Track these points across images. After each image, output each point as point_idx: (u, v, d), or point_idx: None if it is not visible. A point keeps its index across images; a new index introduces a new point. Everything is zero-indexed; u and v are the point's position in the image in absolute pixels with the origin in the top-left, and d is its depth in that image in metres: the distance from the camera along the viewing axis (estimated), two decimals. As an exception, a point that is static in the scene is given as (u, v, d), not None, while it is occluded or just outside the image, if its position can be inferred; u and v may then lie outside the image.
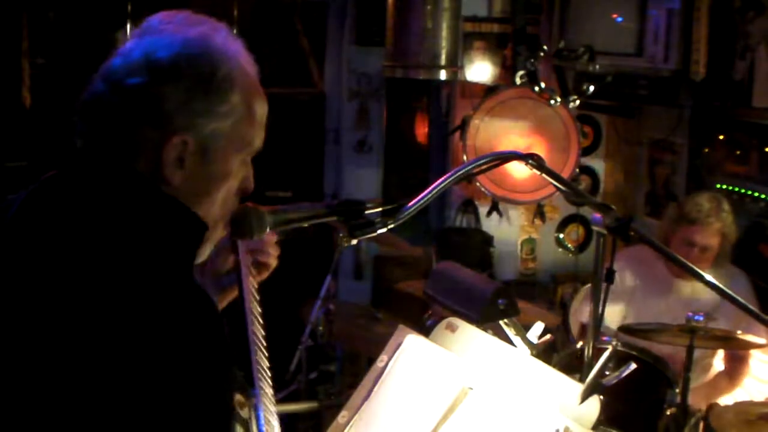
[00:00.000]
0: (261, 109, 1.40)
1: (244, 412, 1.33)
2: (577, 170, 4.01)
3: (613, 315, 3.49)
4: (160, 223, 1.29)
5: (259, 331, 1.62)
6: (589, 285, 3.86)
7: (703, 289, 3.30)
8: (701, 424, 3.01)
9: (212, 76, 1.33)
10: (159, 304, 1.19)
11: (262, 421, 1.45)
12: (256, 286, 1.69)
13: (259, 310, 1.68)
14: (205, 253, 1.41)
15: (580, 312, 3.76)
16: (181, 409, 1.16)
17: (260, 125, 1.41)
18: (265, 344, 1.62)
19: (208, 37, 1.36)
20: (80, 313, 1.17)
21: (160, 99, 1.30)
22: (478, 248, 4.85)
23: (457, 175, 1.67)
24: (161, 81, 1.30)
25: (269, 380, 1.57)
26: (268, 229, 1.50)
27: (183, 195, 1.33)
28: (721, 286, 1.86)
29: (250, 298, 1.64)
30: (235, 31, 1.42)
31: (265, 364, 1.59)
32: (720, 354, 3.61)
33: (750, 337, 3.08)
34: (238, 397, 1.32)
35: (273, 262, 1.73)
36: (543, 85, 3.87)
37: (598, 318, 1.95)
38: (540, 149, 3.88)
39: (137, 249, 1.24)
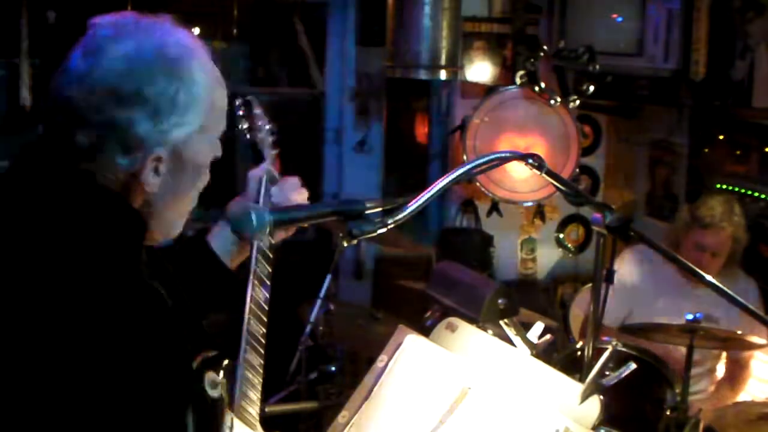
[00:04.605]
0: (221, 95, 1.42)
1: (215, 391, 1.32)
2: (577, 170, 4.01)
3: (616, 312, 3.44)
4: (95, 222, 1.29)
5: (260, 298, 1.65)
6: (589, 285, 3.85)
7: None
8: (701, 424, 3.01)
9: (176, 94, 1.32)
10: (86, 298, 1.21)
11: (238, 393, 1.45)
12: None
13: (269, 270, 1.75)
14: (179, 228, 1.45)
15: (580, 309, 3.75)
16: (117, 400, 1.19)
17: (222, 110, 1.43)
18: (264, 316, 1.65)
19: (164, 51, 1.33)
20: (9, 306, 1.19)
21: (127, 128, 1.30)
22: (478, 248, 4.84)
23: (457, 175, 1.67)
24: (127, 109, 1.29)
25: (261, 350, 1.59)
26: (268, 229, 1.50)
27: (162, 194, 1.36)
28: (719, 284, 1.86)
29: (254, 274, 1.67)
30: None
31: (261, 331, 1.61)
32: (723, 359, 3.60)
33: (750, 337, 3.08)
34: (212, 375, 1.33)
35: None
36: (543, 85, 3.87)
37: (598, 318, 1.95)
38: (540, 149, 3.88)
39: (70, 245, 1.25)
